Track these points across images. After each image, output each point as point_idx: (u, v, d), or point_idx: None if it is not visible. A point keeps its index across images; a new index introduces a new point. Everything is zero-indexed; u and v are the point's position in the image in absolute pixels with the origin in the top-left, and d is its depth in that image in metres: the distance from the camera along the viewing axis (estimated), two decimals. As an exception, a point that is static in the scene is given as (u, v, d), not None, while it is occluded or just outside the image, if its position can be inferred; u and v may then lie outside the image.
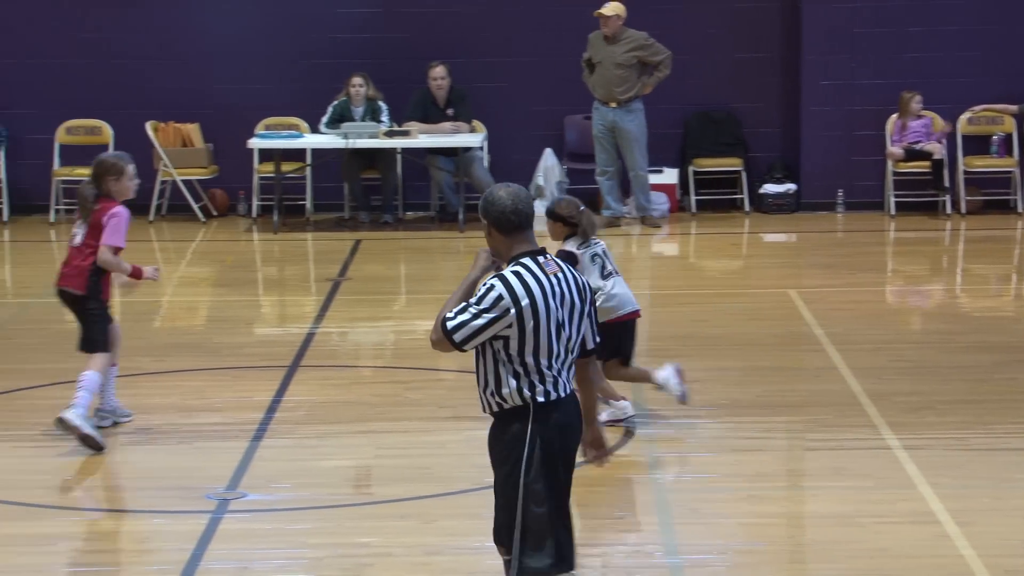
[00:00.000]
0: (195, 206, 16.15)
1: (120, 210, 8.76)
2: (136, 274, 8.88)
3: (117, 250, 8.73)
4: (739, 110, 16.53)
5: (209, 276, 14.04)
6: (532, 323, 5.46)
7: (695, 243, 15.56)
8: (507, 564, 5.57)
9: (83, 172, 15.99)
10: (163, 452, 8.85)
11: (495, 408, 5.57)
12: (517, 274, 5.50)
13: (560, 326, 5.51)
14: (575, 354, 5.61)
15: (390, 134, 15.51)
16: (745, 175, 16.36)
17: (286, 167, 15.90)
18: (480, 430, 8.85)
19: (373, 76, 15.87)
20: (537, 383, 5.50)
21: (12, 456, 8.57)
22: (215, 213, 16.41)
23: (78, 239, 8.79)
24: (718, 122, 16.49)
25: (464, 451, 8.48)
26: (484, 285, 5.51)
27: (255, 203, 16.27)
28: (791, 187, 16.33)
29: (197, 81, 16.31)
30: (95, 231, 8.71)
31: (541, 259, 5.56)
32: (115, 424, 9.02)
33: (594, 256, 8.68)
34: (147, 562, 7.06)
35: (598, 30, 15.41)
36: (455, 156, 15.86)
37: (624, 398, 8.96)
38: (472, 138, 15.83)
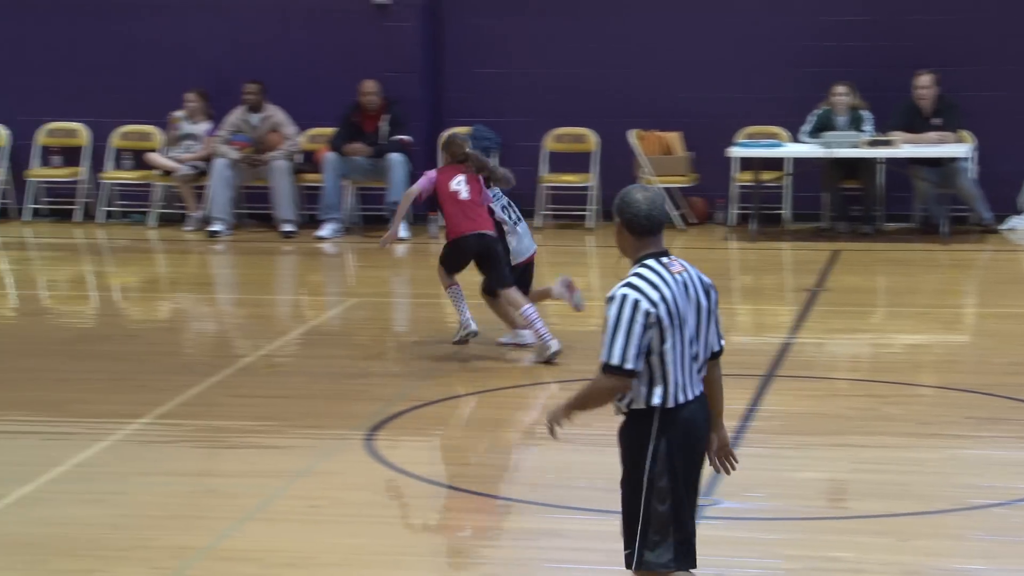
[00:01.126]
0: (674, 213, 16.34)
1: None
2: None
3: None
4: None
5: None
6: (668, 321, 5.38)
7: None
8: (627, 558, 5.55)
9: (569, 178, 16.54)
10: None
11: (623, 410, 5.50)
12: (642, 276, 5.42)
13: (688, 324, 5.43)
14: (705, 354, 5.51)
15: (873, 143, 15.27)
16: None
17: (765, 176, 15.88)
18: (963, 449, 8.66)
19: (857, 85, 15.66)
20: (668, 387, 5.41)
21: (495, 452, 8.87)
22: (693, 221, 16.55)
23: (466, 193, 10.59)
24: None
25: (945, 469, 8.24)
26: (613, 301, 5.38)
27: (733, 211, 16.32)
28: None
29: (681, 90, 16.50)
30: (475, 185, 10.62)
31: (665, 259, 5.48)
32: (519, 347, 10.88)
33: (504, 207, 10.91)
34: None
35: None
36: (940, 167, 15.45)
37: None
38: (958, 148, 15.38)
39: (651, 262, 5.49)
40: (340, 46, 16.86)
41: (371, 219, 16.74)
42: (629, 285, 5.42)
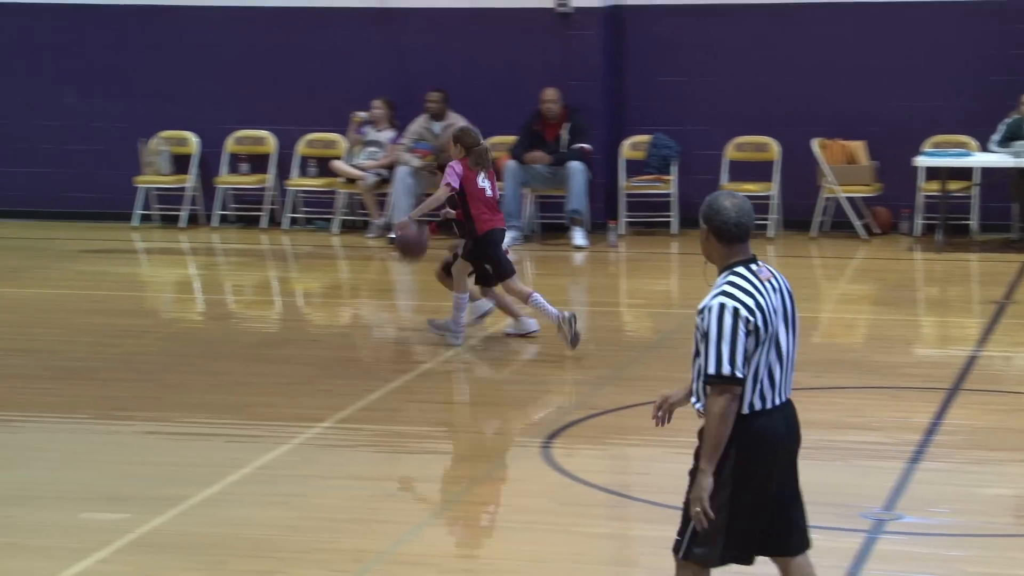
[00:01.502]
0: (857, 223, 16.12)
1: None
2: None
3: None
4: None
5: (869, 294, 13.96)
6: (763, 330, 5.36)
7: None
8: (676, 544, 5.59)
9: (750, 188, 16.39)
10: (819, 468, 8.84)
11: (703, 413, 5.49)
12: (736, 285, 5.38)
13: (779, 332, 5.42)
14: (792, 361, 5.49)
15: (1064, 153, 14.90)
16: None
17: (952, 186, 15.58)
18: None
19: (1050, 93, 15.30)
20: (748, 393, 5.39)
21: (671, 461, 8.82)
22: (877, 231, 16.31)
23: (490, 191, 11.13)
24: None
25: None
26: (710, 312, 5.35)
27: (918, 222, 16.05)
28: None
29: (866, 99, 16.26)
30: (493, 181, 11.22)
31: (754, 267, 5.44)
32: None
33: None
34: (801, 576, 7.07)
35: None
36: None
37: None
38: None
39: (741, 269, 5.48)
40: (522, 54, 16.93)
41: (550, 227, 16.78)
42: (724, 294, 5.41)
